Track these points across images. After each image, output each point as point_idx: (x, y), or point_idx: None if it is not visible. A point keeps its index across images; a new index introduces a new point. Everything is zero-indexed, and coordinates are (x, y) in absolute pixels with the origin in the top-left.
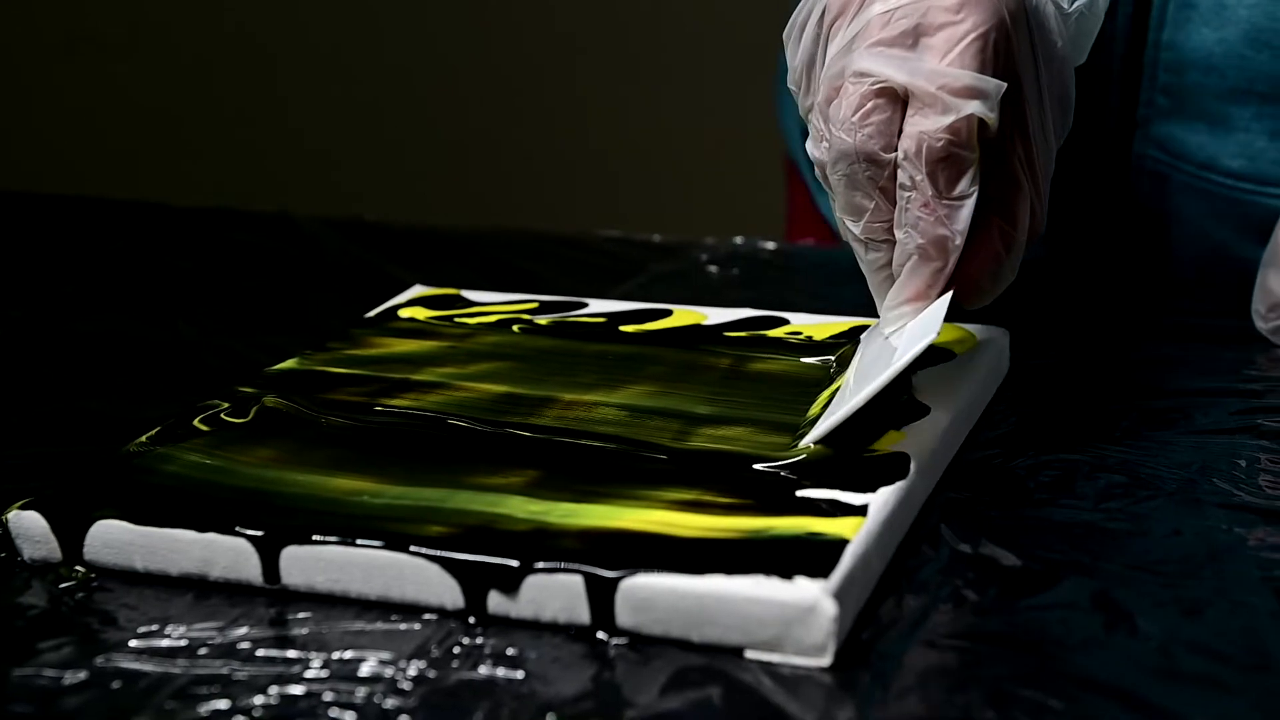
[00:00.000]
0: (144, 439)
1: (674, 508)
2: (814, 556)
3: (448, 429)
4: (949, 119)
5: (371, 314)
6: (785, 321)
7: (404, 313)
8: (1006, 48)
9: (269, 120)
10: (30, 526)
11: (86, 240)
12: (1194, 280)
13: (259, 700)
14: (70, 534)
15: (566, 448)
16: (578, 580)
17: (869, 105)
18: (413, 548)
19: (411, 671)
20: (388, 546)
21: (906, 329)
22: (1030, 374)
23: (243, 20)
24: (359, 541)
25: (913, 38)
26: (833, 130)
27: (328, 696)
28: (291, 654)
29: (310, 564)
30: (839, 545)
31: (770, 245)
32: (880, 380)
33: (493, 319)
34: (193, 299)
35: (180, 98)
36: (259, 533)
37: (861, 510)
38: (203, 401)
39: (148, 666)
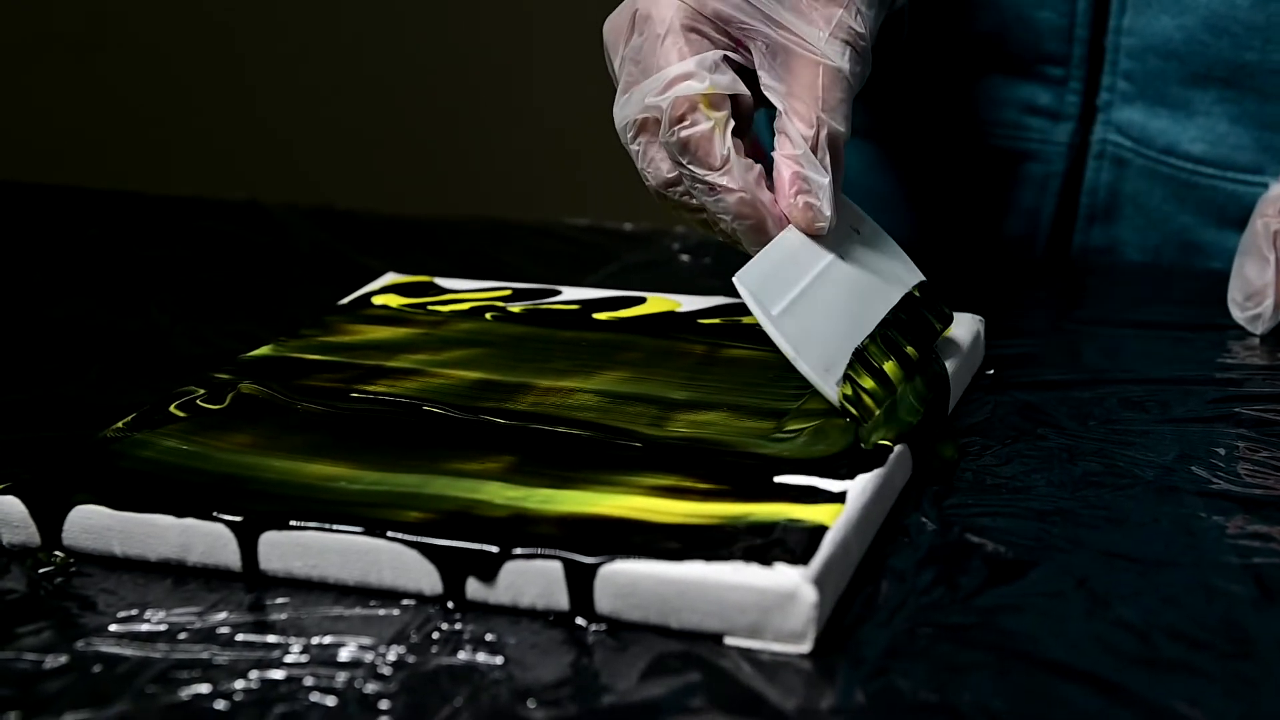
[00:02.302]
0: (120, 425)
1: (652, 493)
2: (793, 543)
3: (423, 415)
4: (668, 113)
5: (345, 301)
6: None
7: (377, 300)
8: (712, 21)
9: (238, 111)
10: (9, 511)
11: (57, 228)
12: (1155, 265)
13: (239, 685)
14: (49, 519)
15: (544, 434)
16: (556, 566)
17: (639, 147)
18: (391, 533)
19: (391, 656)
20: (366, 532)
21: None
22: (1005, 362)
23: (213, 14)
24: (337, 527)
25: (639, 68)
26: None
27: (308, 681)
28: (271, 639)
29: (288, 549)
30: (818, 532)
31: None
32: (778, 341)
33: (466, 306)
34: (165, 286)
35: (151, 88)
36: (237, 518)
37: (840, 497)
38: (178, 388)
39: (128, 651)
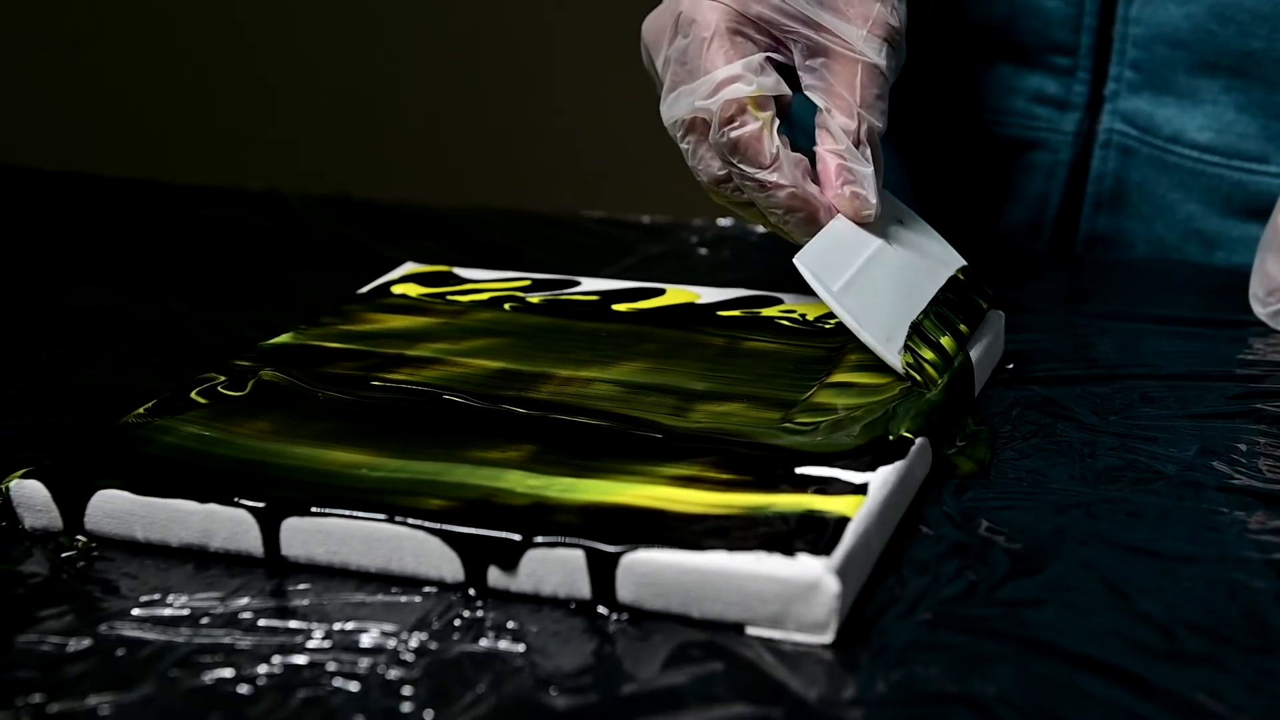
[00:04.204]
0: (142, 410)
1: (673, 483)
2: (815, 533)
3: (444, 404)
4: (718, 115)
5: (364, 290)
6: (779, 300)
7: (396, 289)
8: (754, 24)
9: (256, 103)
10: (32, 495)
11: (75, 215)
12: (1165, 257)
13: (262, 669)
14: (72, 503)
15: (564, 423)
16: (578, 555)
17: (688, 145)
18: (413, 520)
19: (413, 643)
20: (388, 519)
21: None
22: (1020, 356)
23: (233, 2)
24: (359, 514)
25: (684, 69)
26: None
27: (331, 666)
28: (293, 624)
29: (310, 536)
30: (840, 523)
31: (760, 228)
32: (841, 314)
33: (485, 296)
34: (182, 274)
35: (167, 80)
36: (259, 504)
37: (861, 489)
38: (199, 374)
39: (151, 635)
